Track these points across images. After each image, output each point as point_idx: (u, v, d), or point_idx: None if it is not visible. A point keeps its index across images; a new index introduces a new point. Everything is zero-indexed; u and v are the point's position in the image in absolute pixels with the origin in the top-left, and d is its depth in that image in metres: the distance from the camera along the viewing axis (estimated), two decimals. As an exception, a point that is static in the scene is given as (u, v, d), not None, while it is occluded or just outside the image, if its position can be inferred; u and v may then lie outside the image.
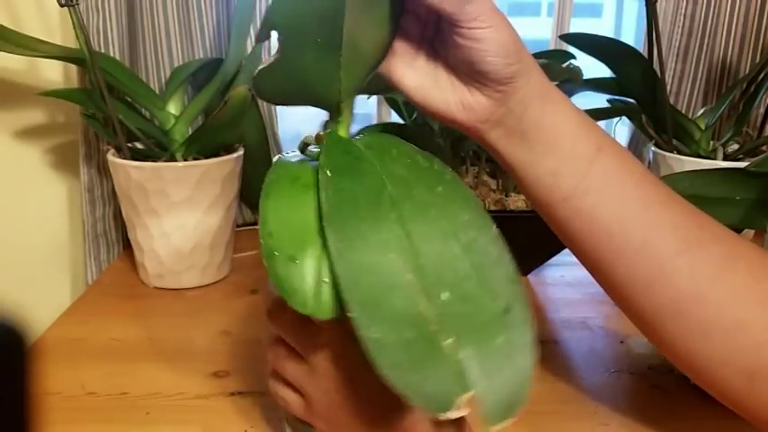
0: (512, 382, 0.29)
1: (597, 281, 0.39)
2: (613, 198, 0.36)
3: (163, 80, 0.77)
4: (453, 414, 0.27)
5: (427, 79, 0.36)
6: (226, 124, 0.65)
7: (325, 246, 0.31)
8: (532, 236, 0.54)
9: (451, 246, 0.32)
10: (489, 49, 0.33)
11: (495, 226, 0.33)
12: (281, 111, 0.84)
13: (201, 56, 0.78)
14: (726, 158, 0.73)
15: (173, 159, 0.68)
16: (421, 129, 0.72)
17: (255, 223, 0.85)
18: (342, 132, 0.37)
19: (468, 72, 0.35)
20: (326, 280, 0.31)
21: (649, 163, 0.78)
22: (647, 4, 0.66)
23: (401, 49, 0.36)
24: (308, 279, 0.31)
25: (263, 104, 0.76)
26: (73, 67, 0.74)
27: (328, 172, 0.33)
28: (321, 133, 0.36)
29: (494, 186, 0.72)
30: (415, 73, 0.37)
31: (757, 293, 0.35)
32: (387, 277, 0.30)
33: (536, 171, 0.36)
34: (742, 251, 0.36)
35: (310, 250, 0.32)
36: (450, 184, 0.35)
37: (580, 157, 0.36)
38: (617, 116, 0.81)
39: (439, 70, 0.36)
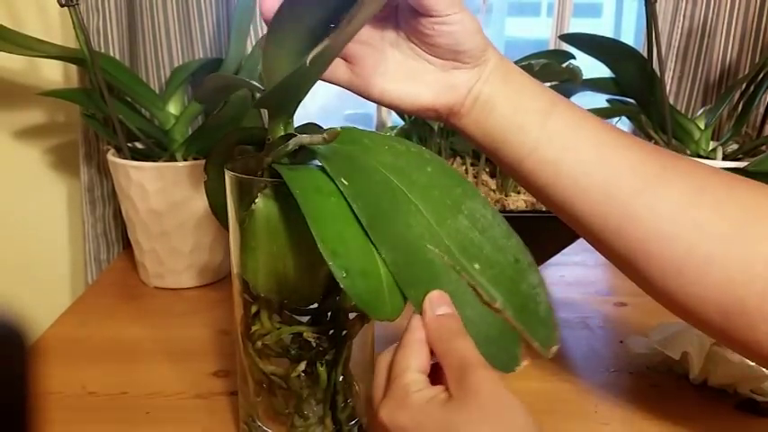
0: (545, 317, 0.35)
1: (574, 228, 0.40)
2: (572, 144, 0.38)
3: (163, 80, 0.77)
4: (518, 369, 0.33)
5: (406, 82, 0.39)
6: (226, 124, 0.65)
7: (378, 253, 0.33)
8: (532, 236, 0.54)
9: (461, 220, 0.36)
10: (466, 28, 0.37)
11: (477, 188, 0.37)
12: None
13: (201, 56, 0.78)
14: (725, 158, 0.73)
15: (173, 159, 0.68)
16: (421, 128, 0.72)
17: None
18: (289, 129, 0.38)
19: (448, 55, 0.38)
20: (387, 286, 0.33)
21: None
22: (646, 4, 0.66)
23: (369, 65, 0.38)
24: (385, 288, 0.33)
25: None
26: (73, 67, 0.74)
27: (344, 180, 0.34)
28: (326, 135, 0.36)
29: (494, 186, 0.72)
30: (393, 81, 0.39)
31: (723, 227, 0.35)
32: (433, 266, 0.34)
33: (504, 132, 0.39)
34: (707, 185, 0.36)
35: (376, 260, 0.33)
36: (433, 162, 0.38)
37: (539, 111, 0.38)
38: (617, 116, 0.81)
39: (413, 68, 0.39)
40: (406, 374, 0.32)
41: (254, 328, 0.40)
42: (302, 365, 0.40)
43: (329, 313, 0.40)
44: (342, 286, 0.31)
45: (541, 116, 0.38)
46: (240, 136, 0.45)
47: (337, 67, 0.39)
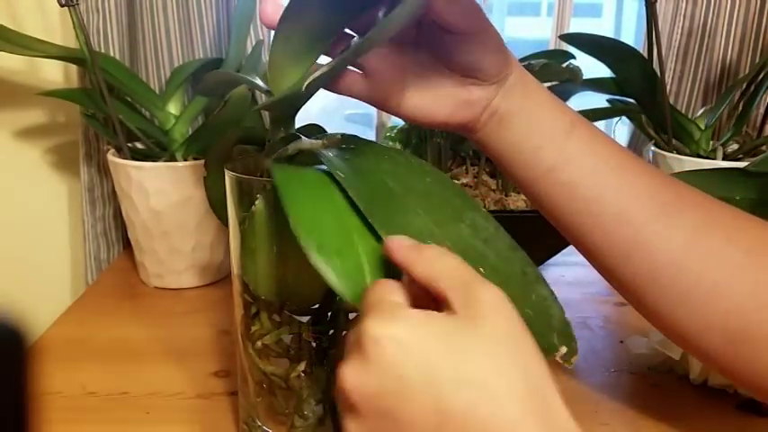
0: (561, 328, 0.35)
1: (581, 253, 0.40)
2: (589, 167, 0.37)
3: (163, 80, 0.77)
4: (558, 356, 0.34)
5: (423, 96, 0.38)
6: (226, 124, 0.64)
7: (365, 242, 0.32)
8: (532, 236, 0.54)
9: (462, 228, 0.35)
10: (488, 47, 0.36)
11: (479, 203, 0.36)
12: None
13: (201, 56, 0.78)
14: (725, 158, 0.73)
15: (173, 159, 0.68)
16: (421, 128, 0.72)
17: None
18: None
19: (467, 72, 0.37)
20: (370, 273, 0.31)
21: (649, 163, 0.78)
22: (646, 5, 0.66)
23: (387, 79, 0.37)
24: (367, 273, 0.31)
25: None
26: (73, 67, 0.74)
27: (340, 173, 0.34)
28: (325, 141, 0.36)
29: (494, 186, 0.72)
30: (410, 95, 0.38)
31: (733, 257, 0.35)
32: None
33: (520, 150, 0.38)
34: (718, 216, 0.37)
35: (359, 245, 0.32)
36: (433, 173, 0.38)
37: (558, 132, 0.38)
38: (617, 116, 0.81)
39: (430, 82, 0.38)
40: (391, 296, 0.28)
41: (253, 329, 0.40)
42: (302, 365, 0.40)
43: (329, 313, 0.40)
44: (314, 265, 0.30)
45: (560, 137, 0.38)
46: (241, 135, 0.45)
47: (355, 81, 0.38)
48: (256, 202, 0.36)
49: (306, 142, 0.36)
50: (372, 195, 0.34)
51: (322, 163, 0.36)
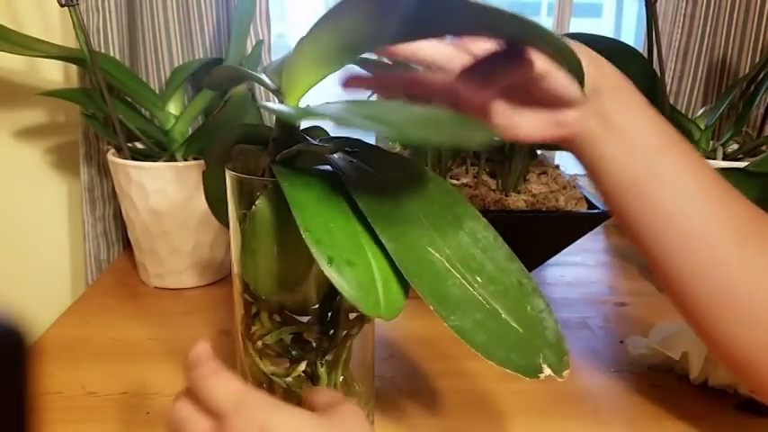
0: (555, 341, 0.34)
1: (651, 266, 0.41)
2: (680, 189, 0.38)
3: (163, 80, 0.77)
4: (543, 376, 0.33)
5: (515, 119, 0.39)
6: (225, 124, 0.65)
7: (372, 248, 0.32)
8: (532, 236, 0.54)
9: (462, 236, 0.35)
10: (560, 83, 0.37)
11: (478, 213, 0.37)
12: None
13: (201, 56, 0.78)
14: (725, 158, 0.73)
15: (173, 159, 0.68)
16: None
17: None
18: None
19: (551, 102, 0.38)
20: (381, 280, 0.32)
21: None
22: (646, 4, 0.66)
23: (480, 107, 0.39)
24: (378, 280, 0.32)
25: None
26: (73, 67, 0.74)
27: (345, 176, 0.34)
28: (331, 146, 0.37)
29: (494, 186, 0.72)
30: (501, 118, 0.39)
31: None
32: (437, 269, 0.33)
33: (609, 164, 0.39)
34: None
35: (369, 253, 0.32)
36: (434, 180, 0.38)
37: (649, 150, 0.38)
38: (617, 116, 0.81)
39: (521, 110, 0.39)
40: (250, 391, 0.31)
41: (254, 328, 0.40)
42: (302, 365, 0.40)
43: (329, 314, 0.40)
44: (328, 276, 0.30)
45: (651, 154, 0.38)
46: (242, 133, 0.45)
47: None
48: (257, 202, 0.36)
49: (313, 145, 0.36)
50: (376, 200, 0.34)
51: (321, 163, 0.36)
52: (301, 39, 0.34)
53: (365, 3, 0.30)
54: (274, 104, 0.35)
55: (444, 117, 0.29)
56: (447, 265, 0.34)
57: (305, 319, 0.40)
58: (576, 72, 0.36)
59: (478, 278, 0.34)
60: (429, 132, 0.27)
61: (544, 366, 0.33)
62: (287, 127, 0.38)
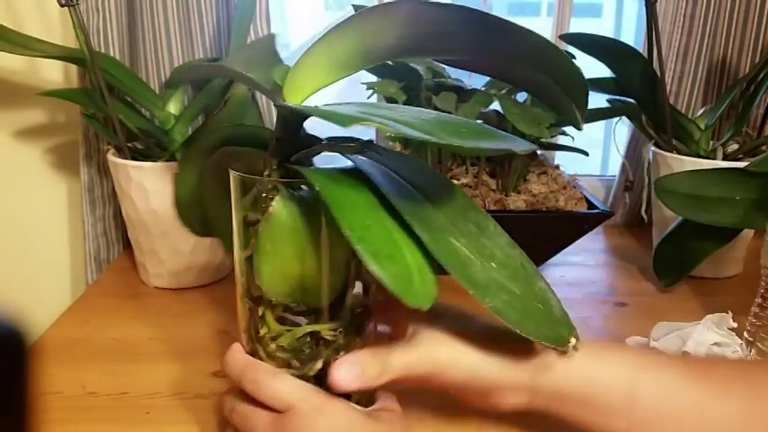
0: (562, 316, 0.37)
1: None
2: (668, 419, 0.36)
3: (163, 80, 0.77)
4: (571, 346, 0.36)
5: (462, 394, 0.40)
6: (225, 124, 0.64)
7: (405, 241, 0.34)
8: (532, 236, 0.54)
9: (471, 227, 0.37)
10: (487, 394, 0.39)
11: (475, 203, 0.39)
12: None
13: (201, 56, 0.78)
14: (725, 158, 0.73)
15: (173, 159, 0.68)
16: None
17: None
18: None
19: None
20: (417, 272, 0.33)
21: (649, 163, 0.78)
22: (646, 4, 0.66)
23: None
24: (414, 272, 0.33)
25: (263, 104, 0.76)
26: (73, 67, 0.74)
27: (370, 172, 0.35)
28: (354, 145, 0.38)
29: (494, 186, 0.72)
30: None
31: None
32: (462, 257, 0.35)
33: (586, 422, 0.38)
34: None
35: (403, 246, 0.33)
36: (435, 175, 0.39)
37: (618, 405, 0.37)
38: (617, 116, 0.81)
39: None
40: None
41: (262, 332, 0.40)
42: (319, 363, 0.39)
43: (335, 311, 0.40)
44: (372, 271, 0.31)
45: (623, 409, 0.37)
46: (229, 134, 0.44)
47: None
48: (273, 203, 0.36)
49: (336, 145, 0.36)
50: (402, 195, 0.35)
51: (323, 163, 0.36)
52: (318, 39, 0.34)
53: (395, 12, 0.31)
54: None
55: (466, 124, 0.32)
56: (467, 252, 0.35)
57: (301, 319, 0.40)
58: (579, 94, 0.35)
59: (493, 264, 0.36)
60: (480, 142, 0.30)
61: (570, 338, 0.36)
62: (291, 128, 0.38)
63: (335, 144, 0.38)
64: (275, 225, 0.36)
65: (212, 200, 0.45)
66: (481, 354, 0.37)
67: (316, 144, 0.39)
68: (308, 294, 0.39)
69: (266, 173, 0.38)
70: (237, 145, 0.43)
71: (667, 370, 0.37)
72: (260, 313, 0.40)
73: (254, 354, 0.40)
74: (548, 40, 0.31)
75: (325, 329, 0.39)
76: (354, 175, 0.36)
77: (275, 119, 0.38)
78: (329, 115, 0.31)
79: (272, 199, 0.37)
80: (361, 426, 0.36)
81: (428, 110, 0.36)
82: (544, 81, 0.34)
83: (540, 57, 0.32)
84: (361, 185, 0.35)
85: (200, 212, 0.47)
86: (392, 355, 0.37)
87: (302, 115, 0.37)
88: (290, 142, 0.38)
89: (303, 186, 0.38)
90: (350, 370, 0.36)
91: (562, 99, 0.34)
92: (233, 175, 0.39)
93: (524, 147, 0.32)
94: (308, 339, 0.40)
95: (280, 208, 0.36)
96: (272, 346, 0.39)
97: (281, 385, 0.37)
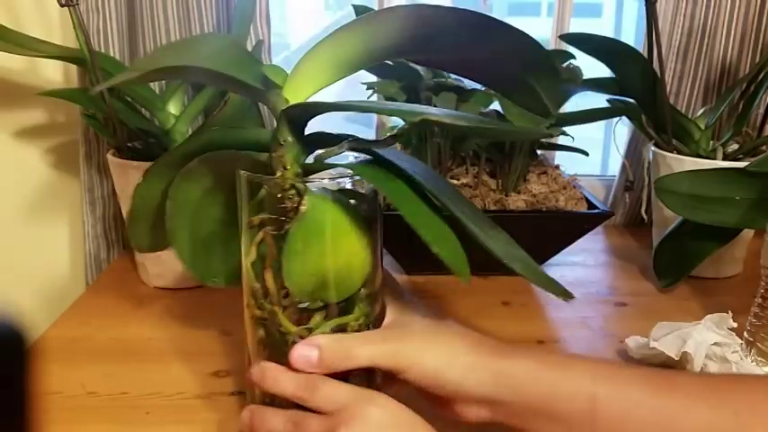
0: (548, 277, 0.39)
1: None
2: (633, 425, 0.36)
3: (163, 80, 0.77)
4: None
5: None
6: (226, 124, 0.64)
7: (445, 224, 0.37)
8: (532, 236, 0.54)
9: (465, 209, 0.38)
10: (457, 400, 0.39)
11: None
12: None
13: (201, 56, 0.78)
14: (725, 158, 0.73)
15: (173, 159, 0.68)
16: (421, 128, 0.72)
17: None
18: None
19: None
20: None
21: (649, 163, 0.78)
22: (646, 4, 0.66)
23: None
24: (461, 253, 0.36)
25: (263, 105, 0.76)
26: (73, 67, 0.74)
27: (405, 166, 0.38)
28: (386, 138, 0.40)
29: (494, 186, 0.72)
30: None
31: None
32: (503, 241, 0.40)
33: None
34: None
35: (445, 227, 0.37)
36: (422, 164, 0.41)
37: (581, 417, 0.37)
38: (617, 116, 0.81)
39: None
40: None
41: (292, 332, 0.40)
42: None
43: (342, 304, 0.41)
44: (435, 253, 0.35)
45: (586, 418, 0.36)
46: (205, 141, 0.43)
47: None
48: (305, 203, 0.36)
49: (362, 141, 0.37)
50: (428, 183, 0.38)
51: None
52: (322, 39, 0.35)
53: (399, 14, 0.33)
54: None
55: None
56: (477, 229, 0.37)
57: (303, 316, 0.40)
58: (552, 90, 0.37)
59: (491, 232, 0.39)
60: None
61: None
62: (298, 127, 0.38)
63: (363, 140, 0.39)
64: (308, 224, 0.37)
65: (177, 210, 0.44)
66: (446, 357, 0.38)
67: (321, 141, 0.40)
68: (328, 289, 0.39)
69: (279, 173, 0.38)
70: (221, 149, 0.43)
71: (630, 381, 0.37)
72: (281, 315, 0.40)
73: (279, 360, 0.40)
74: (530, 37, 0.33)
75: (351, 320, 0.40)
76: (388, 168, 0.38)
77: (277, 119, 0.38)
78: (394, 111, 0.36)
79: (290, 199, 0.37)
80: (406, 412, 0.37)
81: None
82: (524, 79, 0.36)
83: (523, 53, 0.34)
84: (398, 178, 0.37)
85: (149, 226, 0.47)
86: (358, 344, 0.38)
87: (312, 114, 0.38)
88: (299, 142, 0.38)
89: (322, 183, 0.39)
90: (308, 352, 0.37)
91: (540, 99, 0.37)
92: (243, 176, 0.39)
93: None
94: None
95: (312, 207, 0.37)
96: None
97: (331, 387, 0.37)
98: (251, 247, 0.39)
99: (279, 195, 0.37)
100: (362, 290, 0.40)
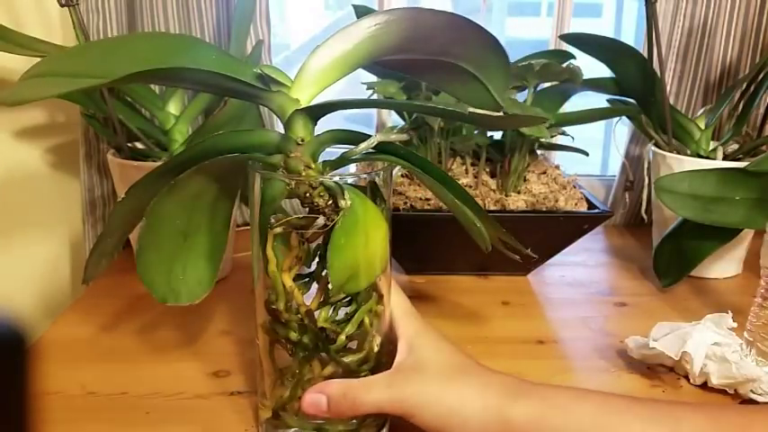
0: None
1: None
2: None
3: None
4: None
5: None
6: (226, 124, 0.64)
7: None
8: (532, 236, 0.54)
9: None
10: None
11: None
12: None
13: (201, 56, 0.78)
14: (725, 158, 0.73)
15: (173, 159, 0.68)
16: (421, 128, 0.72)
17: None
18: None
19: None
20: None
21: (649, 163, 0.78)
22: (646, 4, 0.66)
23: None
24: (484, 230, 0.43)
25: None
26: (73, 67, 0.74)
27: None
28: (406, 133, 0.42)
29: (494, 186, 0.72)
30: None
31: None
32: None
33: None
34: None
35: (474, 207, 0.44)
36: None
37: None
38: (617, 116, 0.81)
39: None
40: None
41: (335, 332, 0.40)
42: (378, 338, 0.42)
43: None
44: (476, 234, 0.42)
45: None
46: (202, 150, 0.42)
47: None
48: (348, 199, 0.37)
49: (392, 134, 0.39)
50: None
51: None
52: (326, 39, 0.37)
53: (399, 16, 0.36)
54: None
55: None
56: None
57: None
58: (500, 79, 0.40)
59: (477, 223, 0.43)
60: None
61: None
62: (312, 126, 0.39)
63: (390, 133, 0.41)
64: (352, 219, 0.38)
65: (151, 227, 0.47)
66: (448, 406, 0.38)
67: (333, 139, 0.41)
68: (359, 279, 0.39)
69: (303, 173, 0.39)
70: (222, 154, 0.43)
71: (639, 417, 0.37)
72: (323, 312, 0.40)
73: (306, 360, 0.41)
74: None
75: (374, 305, 0.41)
76: (416, 159, 0.42)
77: (286, 120, 0.38)
78: (447, 113, 0.40)
79: (321, 197, 0.38)
80: None
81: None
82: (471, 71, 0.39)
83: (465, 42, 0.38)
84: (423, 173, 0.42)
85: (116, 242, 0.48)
86: (363, 393, 0.39)
87: (327, 112, 0.39)
88: (314, 140, 0.39)
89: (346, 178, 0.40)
90: (318, 399, 0.39)
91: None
92: (258, 174, 0.39)
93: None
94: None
95: (355, 202, 0.38)
96: (343, 337, 0.40)
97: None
98: (270, 252, 0.41)
99: (306, 194, 0.38)
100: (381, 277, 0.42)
